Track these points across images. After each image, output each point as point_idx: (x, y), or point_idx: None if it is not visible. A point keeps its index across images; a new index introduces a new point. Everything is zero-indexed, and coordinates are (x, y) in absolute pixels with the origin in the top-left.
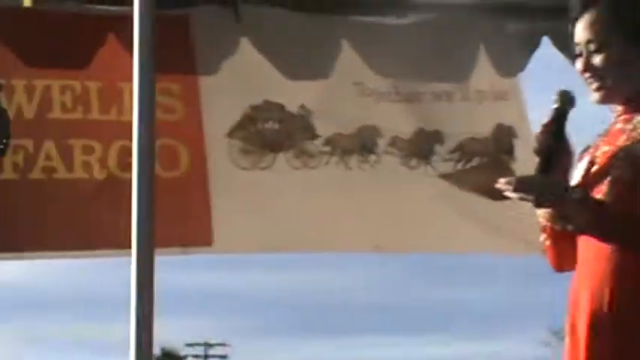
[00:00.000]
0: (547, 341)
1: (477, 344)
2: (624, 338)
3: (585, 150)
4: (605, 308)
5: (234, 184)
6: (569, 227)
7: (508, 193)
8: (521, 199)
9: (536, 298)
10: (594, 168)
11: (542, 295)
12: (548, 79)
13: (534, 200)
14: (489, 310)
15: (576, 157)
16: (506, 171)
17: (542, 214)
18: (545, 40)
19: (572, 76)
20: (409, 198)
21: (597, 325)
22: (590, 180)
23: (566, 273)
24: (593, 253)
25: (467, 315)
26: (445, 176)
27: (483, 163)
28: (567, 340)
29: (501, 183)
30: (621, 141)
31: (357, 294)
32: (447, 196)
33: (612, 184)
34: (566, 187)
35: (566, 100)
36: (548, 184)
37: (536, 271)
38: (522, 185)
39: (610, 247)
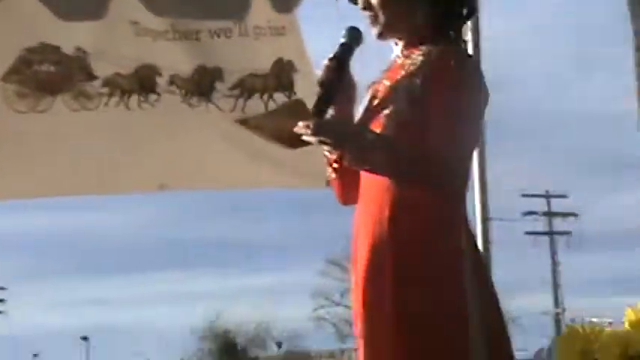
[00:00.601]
0: (325, 271)
1: (259, 276)
2: (404, 268)
3: (370, 85)
4: (386, 240)
5: (10, 129)
6: (364, 167)
7: (306, 137)
8: (320, 142)
9: (313, 230)
10: (375, 102)
11: (319, 227)
12: (326, 14)
13: (332, 144)
14: (271, 243)
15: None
16: (298, 115)
17: (329, 150)
18: None
19: (349, 11)
20: (191, 136)
21: (378, 256)
22: (371, 114)
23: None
24: (374, 186)
25: (249, 248)
26: (229, 114)
27: (280, 108)
28: (352, 270)
29: (299, 127)
30: (401, 76)
31: (138, 233)
32: (230, 133)
33: (390, 117)
34: (361, 130)
35: (353, 37)
36: (344, 127)
37: (314, 203)
38: (320, 129)
39: (390, 180)
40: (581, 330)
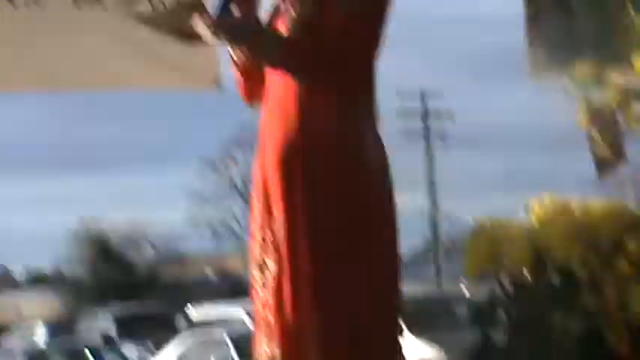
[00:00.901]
0: (201, 173)
1: (134, 178)
2: (313, 174)
3: None
4: (296, 147)
5: None
6: (265, 63)
7: (203, 33)
8: (217, 38)
9: (189, 133)
10: (282, 7)
11: (195, 130)
12: None
13: (230, 40)
14: (147, 145)
15: None
16: (196, 12)
17: (234, 50)
18: None
19: None
20: (79, 37)
21: (287, 165)
22: (277, 17)
23: (210, 107)
24: (282, 92)
25: (124, 150)
26: (117, 14)
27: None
28: (257, 172)
29: (197, 23)
30: None
31: (10, 134)
32: (119, 34)
33: (295, 20)
34: (259, 27)
35: None
36: (243, 24)
37: (189, 106)
38: (218, 25)
39: (298, 87)
40: (489, 226)
